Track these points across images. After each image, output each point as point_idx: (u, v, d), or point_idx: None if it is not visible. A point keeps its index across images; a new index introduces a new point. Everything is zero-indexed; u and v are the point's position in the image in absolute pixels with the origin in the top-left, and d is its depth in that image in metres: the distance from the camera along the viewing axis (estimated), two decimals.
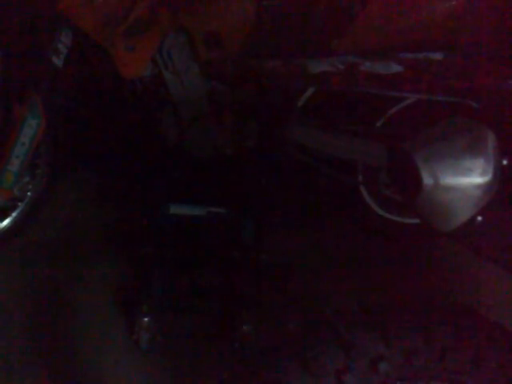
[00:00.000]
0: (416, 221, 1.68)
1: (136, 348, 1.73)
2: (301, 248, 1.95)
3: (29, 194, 2.00)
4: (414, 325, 0.84)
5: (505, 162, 0.70)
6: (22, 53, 1.75)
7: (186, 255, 1.85)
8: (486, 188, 0.69)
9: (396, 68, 1.30)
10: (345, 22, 1.75)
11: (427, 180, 0.70)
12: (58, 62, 1.73)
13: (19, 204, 1.99)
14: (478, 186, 0.69)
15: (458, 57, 1.25)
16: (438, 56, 1.29)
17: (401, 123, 1.68)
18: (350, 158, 1.83)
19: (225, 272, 1.84)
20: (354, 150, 1.81)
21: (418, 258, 1.64)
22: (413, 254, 1.64)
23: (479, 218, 0.70)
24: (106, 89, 1.92)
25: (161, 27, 1.75)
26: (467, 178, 0.69)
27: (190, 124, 1.89)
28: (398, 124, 1.73)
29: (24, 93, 1.73)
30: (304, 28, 1.75)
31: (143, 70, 1.81)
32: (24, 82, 1.74)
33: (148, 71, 1.83)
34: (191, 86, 1.88)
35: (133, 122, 1.94)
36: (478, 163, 0.69)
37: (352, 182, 1.96)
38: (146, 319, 1.74)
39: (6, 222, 1.99)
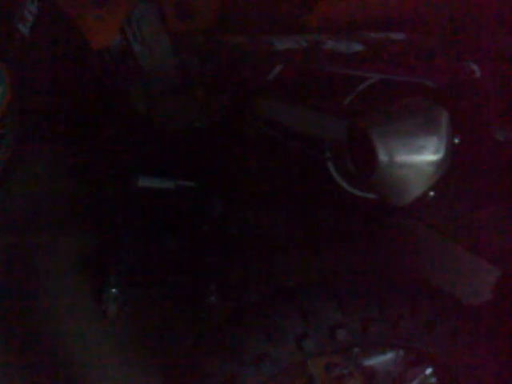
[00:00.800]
0: None
1: (104, 318, 1.75)
2: (269, 221, 1.99)
3: None
4: (369, 294, 0.88)
5: (456, 141, 0.74)
6: None
7: (154, 228, 1.87)
8: (438, 165, 0.73)
9: (357, 47, 1.33)
10: None
11: (382, 157, 0.74)
12: (24, 29, 1.70)
13: None
14: (431, 163, 0.73)
15: (417, 37, 1.28)
16: (399, 36, 1.32)
17: (366, 101, 1.71)
18: (317, 133, 1.85)
19: (193, 245, 1.86)
20: (320, 125, 1.83)
21: (380, 232, 1.70)
22: (376, 229, 1.69)
23: (431, 193, 0.74)
24: (73, 59, 1.89)
25: None
26: (420, 156, 0.72)
27: (158, 96, 1.89)
28: (363, 101, 1.76)
29: None
30: (274, 3, 1.75)
31: (111, 41, 1.79)
32: None
33: (116, 42, 1.81)
34: (161, 58, 1.87)
35: (101, 94, 1.92)
36: (431, 141, 0.72)
37: (319, 158, 1.99)
38: (113, 290, 1.75)
39: None
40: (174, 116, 1.92)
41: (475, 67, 0.89)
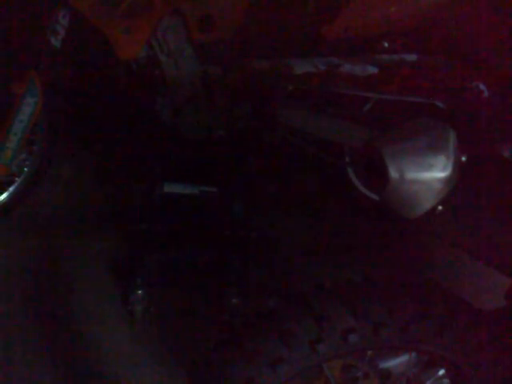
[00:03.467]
0: None
1: (130, 319, 1.82)
2: (289, 227, 2.03)
3: (26, 169, 2.06)
4: (380, 299, 0.92)
5: (464, 159, 0.78)
6: (20, 33, 1.80)
7: (178, 232, 1.93)
8: (446, 181, 0.77)
9: (372, 70, 1.37)
10: (336, 7, 1.80)
11: (394, 174, 0.79)
12: (55, 42, 1.78)
13: (16, 179, 2.05)
14: (439, 180, 0.77)
15: (429, 59, 1.32)
16: (411, 58, 1.36)
17: (384, 109, 1.75)
18: (337, 140, 1.89)
19: (215, 249, 1.92)
20: (340, 132, 1.87)
21: (393, 238, 1.74)
22: (390, 235, 1.73)
23: (440, 208, 0.79)
24: (102, 70, 1.97)
25: (156, 10, 1.80)
26: (429, 173, 0.77)
27: (183, 105, 1.95)
28: (382, 109, 1.80)
29: (23, 72, 1.78)
30: (295, 14, 1.80)
31: (138, 52, 1.86)
32: (23, 62, 1.79)
33: (143, 53, 1.88)
34: (185, 68, 1.93)
35: (128, 103, 1.99)
36: (439, 160, 0.77)
37: (339, 164, 2.03)
38: (139, 292, 1.82)
39: (4, 196, 2.05)
40: (198, 124, 1.98)
41: (483, 87, 0.93)
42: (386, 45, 1.75)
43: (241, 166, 2.00)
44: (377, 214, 1.98)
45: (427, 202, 0.79)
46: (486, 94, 0.92)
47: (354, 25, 1.85)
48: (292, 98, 1.98)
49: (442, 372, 1.12)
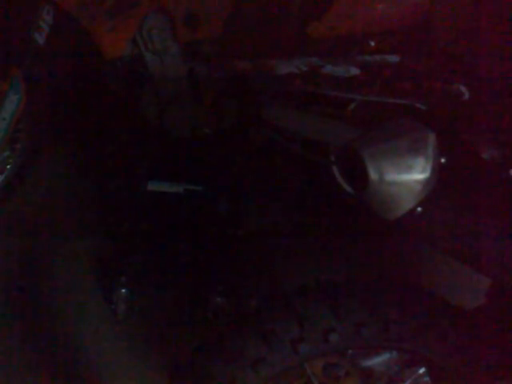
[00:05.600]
0: None
1: (114, 317, 1.81)
2: (274, 225, 2.04)
3: (8, 167, 2.04)
4: (361, 300, 0.93)
5: (443, 160, 0.79)
6: (3, 29, 1.78)
7: (163, 230, 1.93)
8: (425, 183, 0.78)
9: (354, 71, 1.37)
10: (322, 6, 1.80)
11: (373, 175, 0.79)
12: (39, 39, 1.77)
13: None
14: (418, 182, 0.78)
15: (410, 60, 1.33)
16: (393, 59, 1.36)
17: (370, 108, 1.76)
18: (322, 139, 1.90)
19: (201, 247, 1.92)
20: (325, 131, 1.87)
21: (375, 238, 1.76)
22: (372, 235, 1.75)
23: (419, 209, 0.79)
24: (86, 67, 1.95)
25: (141, 7, 1.79)
26: (408, 175, 0.78)
27: (168, 103, 1.94)
28: (367, 109, 1.81)
29: (5, 69, 1.77)
30: (280, 13, 1.80)
31: (123, 50, 1.85)
32: (5, 59, 1.78)
33: (128, 51, 1.87)
34: (171, 66, 1.92)
35: (113, 101, 1.98)
36: (418, 161, 0.78)
37: (324, 162, 2.04)
38: (123, 290, 1.82)
39: None
40: (183, 122, 1.97)
41: (464, 89, 0.94)
42: (373, 44, 1.76)
43: (226, 165, 2.00)
44: (361, 213, 1.99)
45: (406, 204, 0.79)
46: (466, 95, 0.93)
47: (340, 24, 1.85)
48: (277, 97, 1.98)
49: (422, 370, 1.13)
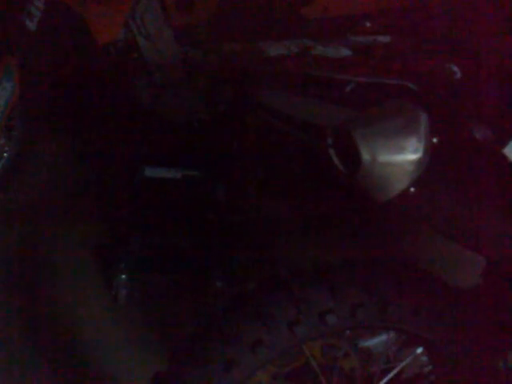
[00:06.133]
0: None
1: (114, 303, 1.82)
2: (271, 209, 2.04)
3: (5, 155, 2.04)
4: (358, 281, 0.94)
5: (435, 140, 0.79)
6: None
7: (161, 216, 1.93)
8: (418, 163, 0.78)
9: (345, 52, 1.37)
10: None
11: (366, 157, 0.79)
12: (31, 25, 1.75)
13: None
14: (411, 162, 0.78)
15: (401, 40, 1.32)
16: (385, 39, 1.36)
17: (368, 89, 1.75)
18: (319, 121, 1.89)
19: (199, 232, 1.93)
20: (322, 114, 1.87)
21: (371, 220, 1.76)
22: (367, 217, 1.75)
23: (412, 189, 0.80)
24: (80, 53, 1.94)
25: None
26: (401, 155, 0.78)
27: (163, 89, 1.93)
28: (366, 90, 1.80)
29: None
30: None
31: (116, 35, 1.83)
32: None
33: (121, 36, 1.85)
34: (164, 51, 1.91)
35: (107, 86, 1.97)
36: (410, 142, 0.78)
37: (322, 145, 2.03)
38: (123, 276, 1.83)
39: None
40: (178, 107, 1.96)
41: (456, 69, 0.94)
42: (368, 25, 1.75)
43: (223, 149, 1.99)
44: (357, 195, 1.99)
45: (399, 184, 0.79)
46: (458, 75, 0.93)
47: (334, 5, 1.84)
48: (273, 80, 1.97)
49: (420, 350, 1.14)
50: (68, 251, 1.98)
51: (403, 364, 1.11)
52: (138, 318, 1.80)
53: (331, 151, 1.77)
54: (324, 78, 1.13)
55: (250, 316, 0.92)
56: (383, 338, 1.17)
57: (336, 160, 1.80)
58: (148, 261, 1.90)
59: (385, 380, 1.10)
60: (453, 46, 1.05)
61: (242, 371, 0.91)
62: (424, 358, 1.16)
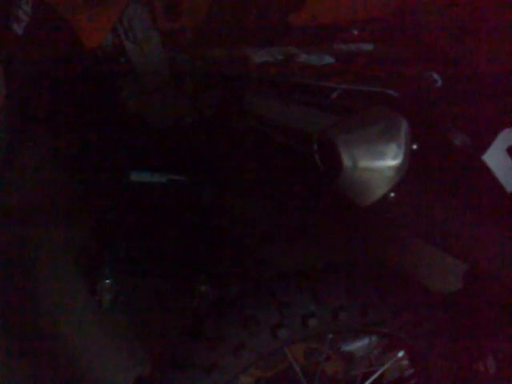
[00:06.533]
0: None
1: (98, 308, 1.82)
2: (257, 214, 2.05)
3: None
4: (339, 284, 0.95)
5: (415, 146, 0.81)
6: None
7: (147, 221, 1.93)
8: (398, 169, 0.79)
9: (328, 60, 1.38)
10: None
11: (347, 162, 0.81)
12: (18, 29, 1.75)
13: None
14: (391, 168, 0.80)
15: (384, 48, 1.34)
16: (368, 47, 1.38)
17: (352, 97, 1.77)
18: (305, 127, 1.90)
19: (184, 236, 1.93)
20: (308, 120, 1.88)
21: (354, 225, 1.78)
22: (351, 221, 1.77)
23: (392, 194, 0.81)
24: (66, 57, 1.94)
25: None
26: (381, 161, 0.79)
27: (150, 93, 1.94)
28: (349, 97, 1.82)
29: None
30: (261, 2, 1.80)
31: (104, 40, 1.84)
32: None
33: (109, 40, 1.86)
34: (152, 56, 1.92)
35: (94, 90, 1.97)
36: (391, 148, 0.79)
37: (307, 151, 2.05)
38: (107, 281, 1.82)
39: None
40: (165, 112, 1.97)
41: (437, 76, 0.96)
42: (356, 33, 1.77)
43: (209, 154, 2.00)
44: (340, 200, 2.00)
45: (380, 189, 0.81)
46: (439, 83, 0.94)
47: (322, 12, 1.85)
48: (260, 86, 1.98)
49: (401, 353, 1.15)
50: (52, 256, 1.97)
51: (384, 368, 1.13)
52: (122, 322, 1.80)
53: (317, 157, 1.79)
54: (310, 85, 1.14)
55: (232, 319, 0.93)
56: (365, 341, 1.18)
57: (321, 165, 1.82)
58: (132, 265, 1.90)
59: (366, 383, 1.11)
60: (434, 54, 1.07)
61: (224, 375, 0.91)
62: (405, 362, 1.18)
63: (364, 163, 0.80)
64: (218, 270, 1.86)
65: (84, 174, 2.12)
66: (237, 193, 2.01)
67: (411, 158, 0.79)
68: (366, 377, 1.15)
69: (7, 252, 1.96)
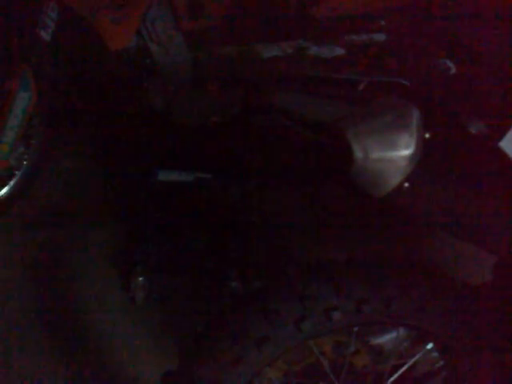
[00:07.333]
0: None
1: (132, 305, 1.86)
2: (286, 209, 2.05)
3: (25, 163, 2.09)
4: (363, 277, 0.95)
5: (427, 135, 0.80)
6: (10, 28, 1.81)
7: (176, 219, 1.96)
8: (410, 158, 0.79)
9: (339, 51, 1.37)
10: None
11: (358, 154, 0.81)
12: (45, 35, 1.79)
13: (16, 173, 2.08)
14: (403, 157, 0.79)
15: (398, 37, 1.32)
16: (380, 37, 1.36)
17: (380, 87, 1.75)
18: (323, 120, 1.89)
19: (214, 234, 1.95)
20: (334, 113, 1.87)
21: (381, 217, 1.76)
22: (378, 214, 1.75)
23: (406, 184, 0.80)
24: (93, 61, 1.98)
25: None
26: (393, 151, 0.79)
27: (175, 93, 1.96)
28: (377, 88, 1.80)
29: (15, 67, 1.80)
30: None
31: (129, 42, 1.87)
32: (14, 57, 1.81)
33: (133, 43, 1.89)
34: (176, 56, 1.94)
35: (120, 92, 2.01)
36: (402, 137, 0.79)
37: (321, 143, 2.03)
38: (140, 279, 1.86)
39: (5, 190, 2.08)
40: (191, 111, 1.99)
41: (451, 64, 0.94)
42: (383, 23, 1.75)
43: (235, 152, 2.01)
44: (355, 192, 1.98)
45: (393, 180, 0.81)
46: (453, 70, 0.93)
47: (342, 4, 1.84)
48: (286, 81, 1.98)
49: (430, 346, 1.14)
50: (86, 257, 2.02)
51: (413, 360, 1.12)
52: (155, 319, 1.83)
53: (329, 148, 1.78)
54: (335, 78, 1.13)
55: (256, 313, 0.93)
56: (394, 334, 1.17)
57: (332, 157, 1.80)
58: (164, 263, 1.93)
59: (395, 376, 1.10)
60: (449, 42, 1.05)
61: (248, 367, 0.92)
62: (435, 354, 1.17)
63: (375, 154, 0.80)
64: (247, 266, 1.87)
65: (114, 174, 2.16)
66: (266, 190, 2.02)
67: (425, 147, 0.79)
68: (395, 370, 1.14)
69: (41, 255, 2.02)
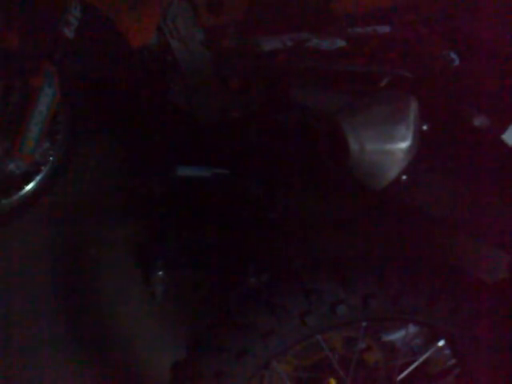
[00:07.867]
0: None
1: (152, 299, 1.88)
2: (299, 205, 2.05)
3: (51, 158, 2.14)
4: (369, 271, 0.94)
5: (425, 128, 0.78)
6: (34, 26, 1.86)
7: (195, 214, 1.97)
8: (407, 151, 0.78)
9: (340, 43, 1.36)
10: None
11: (354, 146, 0.81)
12: (69, 33, 1.83)
13: (42, 169, 2.13)
14: (400, 150, 0.78)
15: (401, 29, 1.30)
16: (384, 30, 1.34)
17: (403, 83, 1.73)
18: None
19: (233, 229, 1.96)
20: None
21: (390, 212, 1.74)
22: (387, 209, 1.73)
23: (404, 177, 0.79)
24: (116, 58, 2.01)
25: None
26: (389, 143, 0.78)
27: (196, 89, 1.98)
28: (400, 84, 1.78)
29: (39, 64, 1.84)
30: None
31: (149, 39, 1.89)
32: (38, 54, 1.85)
33: (155, 40, 1.91)
34: (197, 52, 1.96)
35: (142, 89, 2.03)
36: (399, 130, 0.78)
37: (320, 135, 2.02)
38: (160, 273, 1.88)
39: (31, 185, 2.13)
40: (212, 107, 2.00)
41: (454, 56, 0.92)
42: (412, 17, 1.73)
43: (256, 148, 2.01)
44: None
45: (390, 172, 0.80)
46: (456, 62, 0.91)
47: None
48: (306, 77, 1.98)
49: (442, 342, 1.12)
50: (108, 252, 2.05)
51: (424, 357, 1.10)
52: (174, 312, 1.85)
53: (327, 141, 1.75)
54: (357, 73, 1.13)
55: (262, 307, 0.94)
56: (405, 330, 1.16)
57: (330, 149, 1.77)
58: (183, 258, 1.94)
59: (405, 373, 1.09)
60: (452, 33, 1.03)
61: (254, 360, 0.93)
62: (447, 352, 1.15)
63: (371, 145, 0.79)
64: (266, 261, 1.87)
65: (139, 171, 2.19)
66: (285, 186, 2.01)
67: (423, 140, 0.78)
68: (406, 367, 1.12)
69: (66, 249, 2.06)
